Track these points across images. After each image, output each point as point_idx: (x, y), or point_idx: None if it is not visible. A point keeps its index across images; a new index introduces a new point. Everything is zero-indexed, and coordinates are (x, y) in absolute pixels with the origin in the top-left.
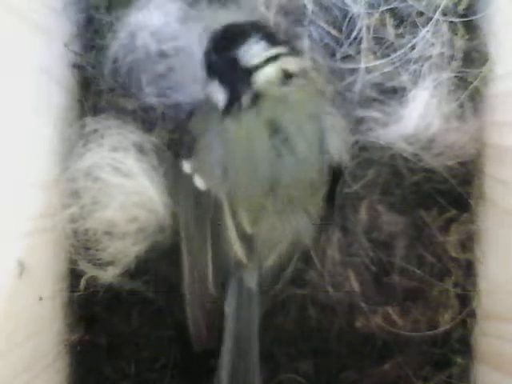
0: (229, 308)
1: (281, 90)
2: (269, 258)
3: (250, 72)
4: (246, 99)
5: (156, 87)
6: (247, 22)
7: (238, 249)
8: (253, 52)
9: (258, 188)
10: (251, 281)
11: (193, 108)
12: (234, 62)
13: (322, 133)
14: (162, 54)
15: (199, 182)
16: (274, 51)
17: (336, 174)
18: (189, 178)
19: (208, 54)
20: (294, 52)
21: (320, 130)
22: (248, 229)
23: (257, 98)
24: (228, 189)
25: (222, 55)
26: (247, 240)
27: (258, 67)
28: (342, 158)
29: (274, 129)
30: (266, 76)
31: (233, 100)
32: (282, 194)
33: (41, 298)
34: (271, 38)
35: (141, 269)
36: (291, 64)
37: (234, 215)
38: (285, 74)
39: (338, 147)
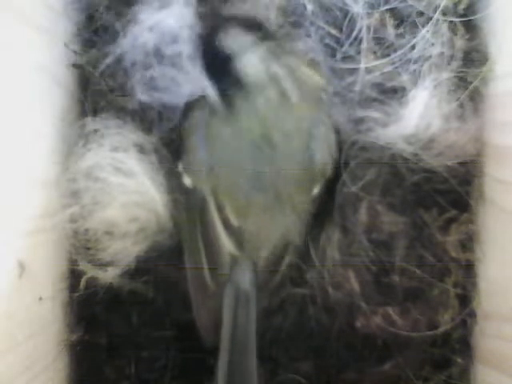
0: (225, 310)
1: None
2: (261, 250)
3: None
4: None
5: (152, 87)
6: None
7: (226, 242)
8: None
9: (242, 183)
10: (245, 281)
11: (186, 108)
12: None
13: (309, 138)
14: (161, 55)
15: (187, 181)
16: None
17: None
18: (181, 178)
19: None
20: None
21: (308, 134)
22: (235, 222)
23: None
24: (213, 184)
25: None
26: (235, 233)
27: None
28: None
29: (256, 125)
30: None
31: (222, 92)
32: (269, 190)
33: (41, 298)
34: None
35: (141, 269)
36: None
37: (220, 210)
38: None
39: (326, 157)
